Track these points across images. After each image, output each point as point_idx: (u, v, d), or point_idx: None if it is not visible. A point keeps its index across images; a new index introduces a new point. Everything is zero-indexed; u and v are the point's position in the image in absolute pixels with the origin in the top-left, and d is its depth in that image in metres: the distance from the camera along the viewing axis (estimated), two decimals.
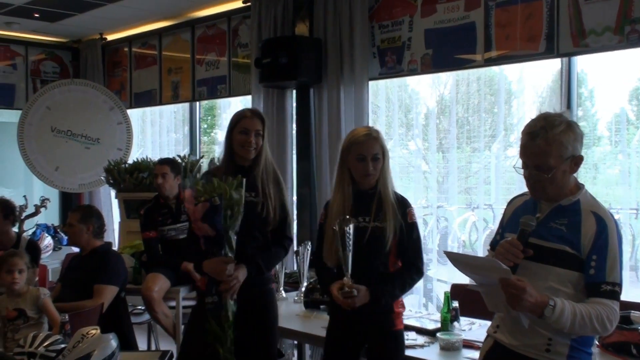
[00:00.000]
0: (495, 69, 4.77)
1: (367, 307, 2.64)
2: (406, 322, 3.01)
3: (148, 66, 7.17)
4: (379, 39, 4.96)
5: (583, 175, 2.29)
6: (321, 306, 3.69)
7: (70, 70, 7.88)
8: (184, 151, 6.71)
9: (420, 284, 4.78)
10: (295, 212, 5.25)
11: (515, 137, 4.72)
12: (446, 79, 5.17)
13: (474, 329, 3.25)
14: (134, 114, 7.37)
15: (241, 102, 6.64)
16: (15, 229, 5.08)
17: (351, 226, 2.60)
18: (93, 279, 3.84)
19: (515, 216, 2.24)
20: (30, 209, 6.13)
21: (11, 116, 7.44)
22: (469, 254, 4.19)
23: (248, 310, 2.88)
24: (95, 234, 4.01)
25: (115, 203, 6.35)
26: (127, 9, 6.25)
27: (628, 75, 4.39)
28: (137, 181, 5.46)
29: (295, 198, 5.35)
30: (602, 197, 2.22)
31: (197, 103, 6.86)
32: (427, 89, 5.33)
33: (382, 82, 5.25)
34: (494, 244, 2.33)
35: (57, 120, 6.90)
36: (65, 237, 6.29)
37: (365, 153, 2.70)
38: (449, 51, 4.56)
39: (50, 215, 7.18)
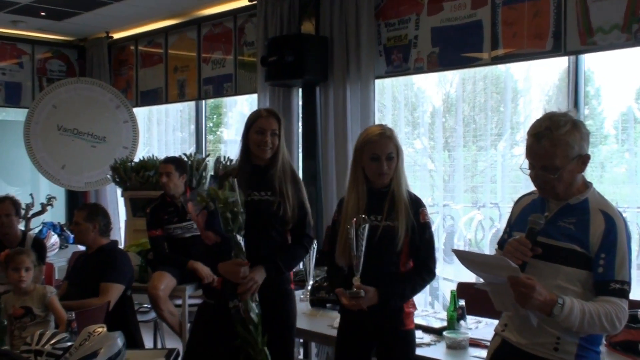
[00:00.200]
0: (501, 67, 4.76)
1: (377, 307, 2.63)
2: None
3: (154, 64, 7.18)
4: (385, 37, 4.95)
5: (589, 174, 2.28)
6: (327, 304, 3.69)
7: (76, 68, 7.90)
8: (190, 149, 6.72)
9: None
10: None
11: (521, 136, 4.71)
12: (452, 77, 5.16)
13: (481, 327, 3.24)
14: (140, 112, 7.38)
15: (247, 101, 6.65)
16: (21, 227, 5.10)
17: (366, 226, 2.58)
18: (99, 277, 3.84)
19: (523, 215, 2.23)
20: (37, 208, 6.15)
21: (18, 115, 7.47)
22: (478, 252, 4.18)
23: (266, 311, 2.86)
24: (102, 232, 4.01)
25: (121, 201, 6.37)
26: (133, 7, 6.26)
27: (635, 73, 4.36)
28: (143, 179, 5.47)
29: None
30: (608, 196, 2.21)
31: (203, 101, 6.86)
32: (433, 88, 5.32)
33: (388, 81, 5.24)
34: (501, 243, 2.32)
35: (64, 118, 6.92)
36: (72, 236, 6.30)
37: (379, 152, 2.67)
38: (456, 49, 4.54)
39: (57, 214, 7.20)
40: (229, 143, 7.13)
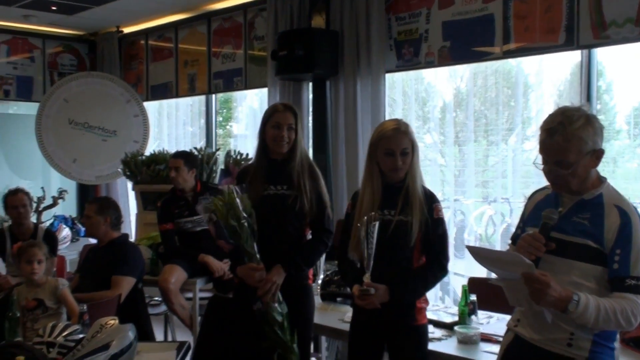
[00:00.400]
0: (512, 61, 4.73)
1: (389, 303, 2.63)
2: None
3: (164, 59, 7.19)
4: (396, 31, 4.93)
5: (601, 169, 2.25)
6: (338, 299, 3.69)
7: (87, 63, 7.92)
8: (200, 143, 6.73)
9: None
10: None
11: (533, 131, 4.68)
12: (463, 71, 5.13)
13: (492, 322, 3.24)
14: (150, 106, 7.40)
15: (257, 95, 6.64)
16: (33, 220, 5.13)
17: (376, 224, 2.57)
18: (111, 270, 3.86)
19: (537, 210, 2.22)
20: (48, 201, 6.20)
21: (29, 109, 7.51)
22: (491, 248, 4.17)
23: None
24: (113, 226, 4.03)
25: (132, 195, 6.38)
26: (143, 1, 6.27)
27: None
28: (154, 173, 5.48)
29: None
30: (620, 192, 2.19)
31: (213, 96, 6.86)
32: (443, 82, 5.29)
33: (398, 75, 5.22)
34: (514, 239, 2.31)
35: (75, 112, 6.94)
36: (83, 229, 6.34)
37: (394, 148, 2.66)
38: (467, 43, 4.52)
39: (68, 207, 7.24)
40: (238, 137, 7.13)
